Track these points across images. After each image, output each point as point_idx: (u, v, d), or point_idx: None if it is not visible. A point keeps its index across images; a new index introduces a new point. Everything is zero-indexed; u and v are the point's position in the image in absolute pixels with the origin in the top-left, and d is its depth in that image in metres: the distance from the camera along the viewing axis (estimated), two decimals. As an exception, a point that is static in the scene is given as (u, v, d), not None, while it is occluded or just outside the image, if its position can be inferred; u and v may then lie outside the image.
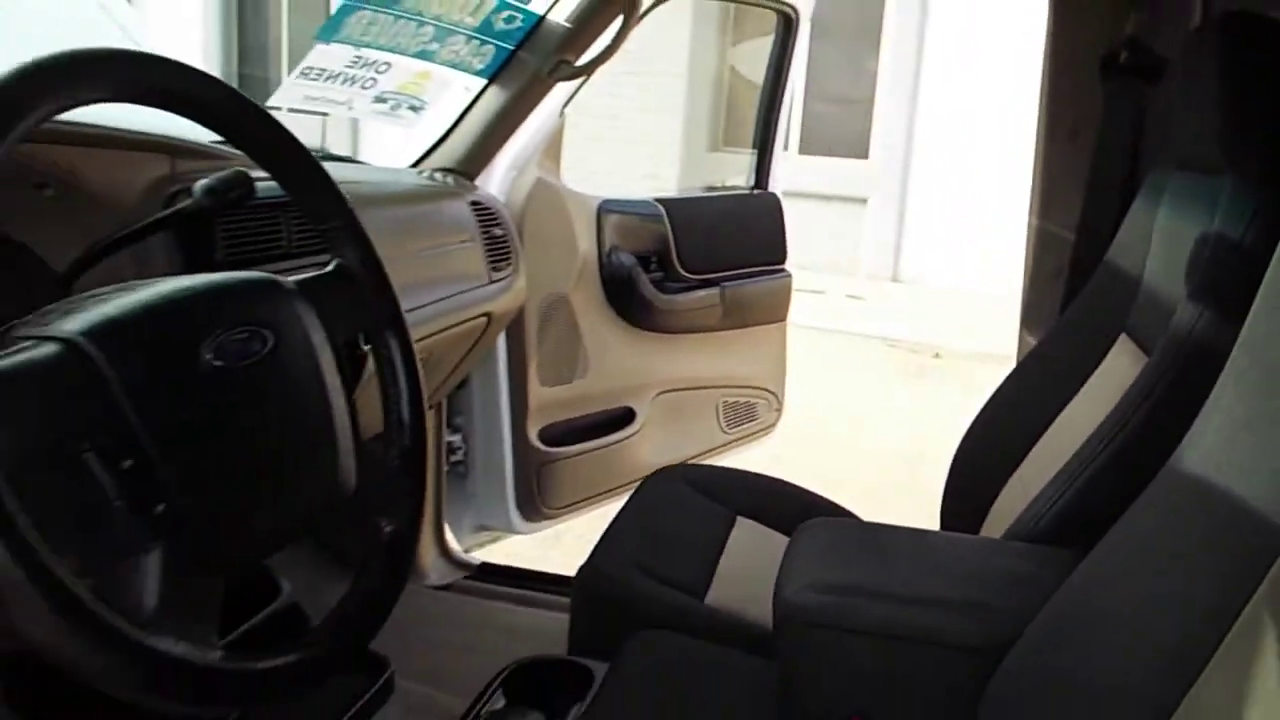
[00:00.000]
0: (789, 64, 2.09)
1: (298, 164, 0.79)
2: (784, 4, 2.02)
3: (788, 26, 2.06)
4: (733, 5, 7.64)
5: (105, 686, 0.57)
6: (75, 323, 0.60)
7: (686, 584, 1.19)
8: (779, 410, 2.25)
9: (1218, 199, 0.97)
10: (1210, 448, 0.68)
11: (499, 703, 1.12)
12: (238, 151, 0.80)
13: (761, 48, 2.20)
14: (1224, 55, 0.95)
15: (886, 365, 4.69)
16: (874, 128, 6.79)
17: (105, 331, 0.60)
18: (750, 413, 2.19)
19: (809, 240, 6.36)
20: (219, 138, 0.79)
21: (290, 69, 1.36)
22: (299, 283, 0.75)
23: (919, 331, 5.16)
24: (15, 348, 0.58)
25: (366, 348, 0.82)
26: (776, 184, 2.19)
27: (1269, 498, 0.58)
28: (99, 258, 0.77)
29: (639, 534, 1.28)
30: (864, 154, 6.83)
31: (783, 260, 2.17)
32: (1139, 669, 0.63)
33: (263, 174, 0.79)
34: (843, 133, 6.76)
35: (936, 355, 4.85)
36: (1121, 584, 0.73)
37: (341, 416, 0.73)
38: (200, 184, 0.81)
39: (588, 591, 1.20)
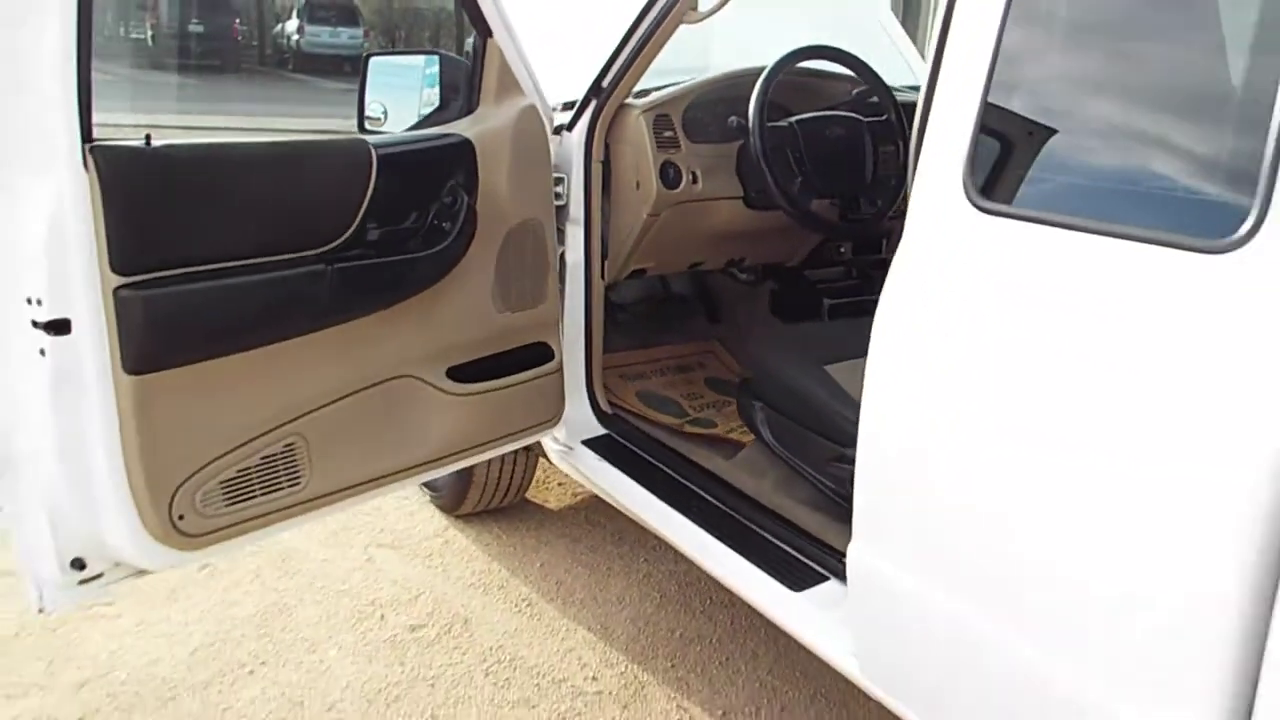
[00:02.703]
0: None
1: (870, 74, 2.34)
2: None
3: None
4: None
5: (810, 227, 2.32)
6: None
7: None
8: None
9: None
10: None
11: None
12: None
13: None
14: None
15: None
16: None
17: (800, 122, 2.27)
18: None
19: None
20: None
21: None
22: (865, 122, 2.31)
23: None
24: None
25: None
26: None
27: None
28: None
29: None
30: None
31: None
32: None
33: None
34: None
35: None
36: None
37: (869, 156, 2.28)
38: (855, 91, 2.41)
39: None
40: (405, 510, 3.18)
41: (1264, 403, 0.99)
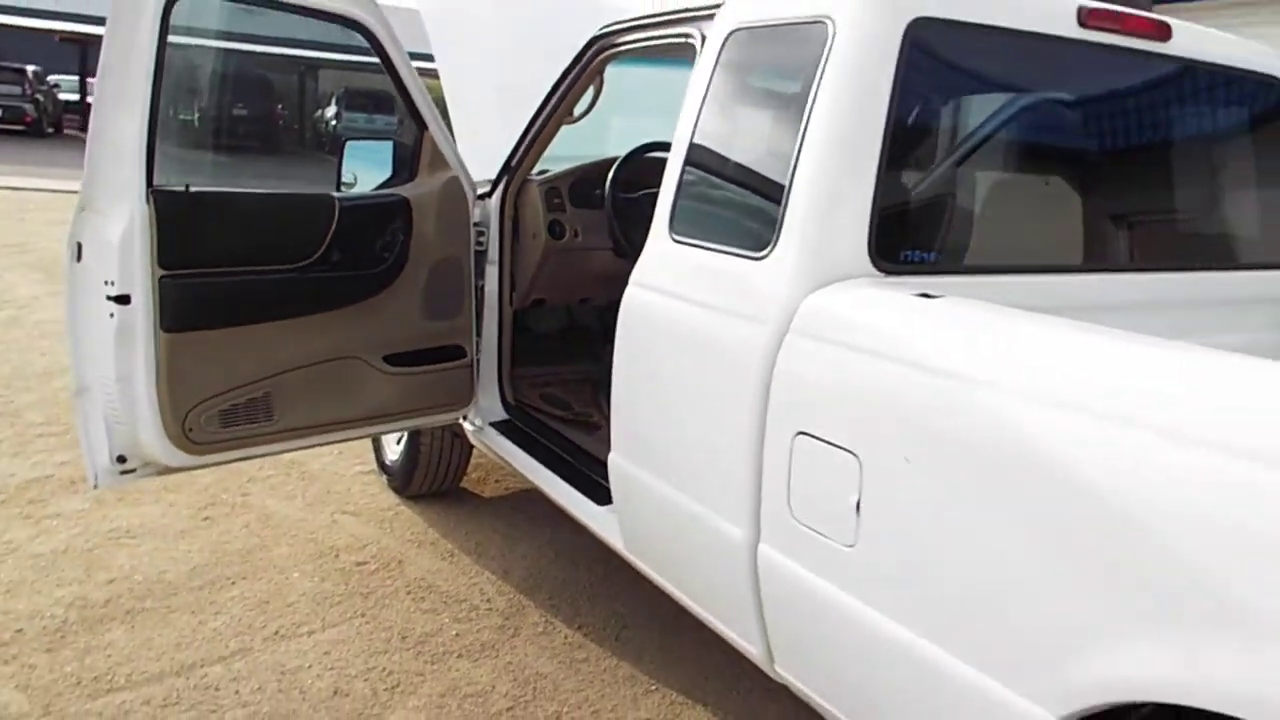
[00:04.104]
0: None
1: None
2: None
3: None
4: None
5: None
6: None
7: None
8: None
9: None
10: None
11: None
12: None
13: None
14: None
15: None
16: None
17: (649, 194, 3.23)
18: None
19: None
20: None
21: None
22: None
23: None
24: None
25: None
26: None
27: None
28: None
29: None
30: None
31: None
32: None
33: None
34: None
35: None
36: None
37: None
38: None
39: None
40: (369, 492, 4.06)
41: (760, 334, 1.87)
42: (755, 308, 1.92)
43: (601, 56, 2.87)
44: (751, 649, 2.01)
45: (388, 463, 4.03)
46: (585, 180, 3.39)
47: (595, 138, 3.75)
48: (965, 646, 1.45)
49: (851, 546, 1.65)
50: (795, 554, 1.79)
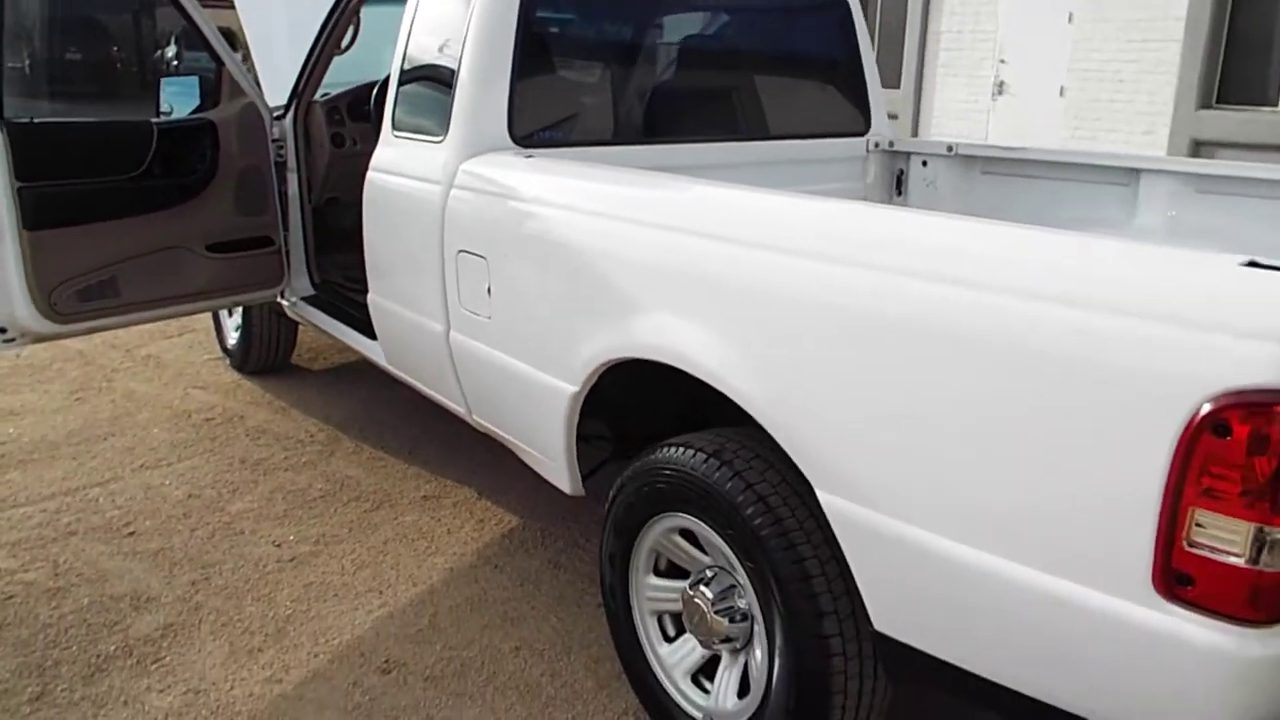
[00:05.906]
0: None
1: None
2: None
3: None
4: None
5: None
6: None
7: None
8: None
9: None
10: None
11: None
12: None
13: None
14: None
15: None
16: None
17: None
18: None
19: None
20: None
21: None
22: None
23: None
24: None
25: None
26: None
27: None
28: None
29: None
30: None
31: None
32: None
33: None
34: None
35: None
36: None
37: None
38: None
39: None
40: (215, 372, 4.99)
41: (438, 190, 2.89)
42: (436, 174, 2.94)
43: (354, 1, 3.80)
44: (459, 408, 3.07)
45: (229, 346, 4.96)
46: (358, 100, 4.33)
47: (368, 63, 4.66)
48: (535, 358, 2.54)
49: (489, 318, 2.72)
50: (466, 331, 2.85)
